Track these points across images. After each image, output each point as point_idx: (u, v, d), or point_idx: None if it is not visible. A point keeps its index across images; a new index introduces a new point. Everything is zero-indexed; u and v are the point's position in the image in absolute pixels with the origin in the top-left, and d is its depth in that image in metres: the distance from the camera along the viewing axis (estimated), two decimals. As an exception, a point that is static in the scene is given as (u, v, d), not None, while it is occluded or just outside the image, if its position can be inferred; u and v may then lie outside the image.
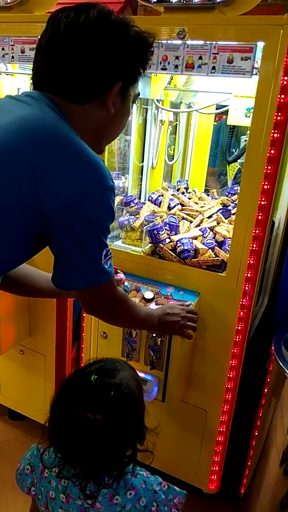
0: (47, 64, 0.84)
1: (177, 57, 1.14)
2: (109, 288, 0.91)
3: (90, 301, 0.94)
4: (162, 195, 1.73)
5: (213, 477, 1.48)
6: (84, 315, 1.57)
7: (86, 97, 0.85)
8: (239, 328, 1.29)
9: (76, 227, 0.78)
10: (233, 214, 1.60)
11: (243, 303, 1.26)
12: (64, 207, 0.76)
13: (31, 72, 1.59)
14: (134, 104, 0.97)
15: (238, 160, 1.72)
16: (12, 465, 0.95)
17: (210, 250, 1.34)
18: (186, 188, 1.93)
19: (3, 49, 1.38)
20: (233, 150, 1.77)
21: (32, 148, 0.75)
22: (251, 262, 1.21)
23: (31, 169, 0.74)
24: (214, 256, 1.33)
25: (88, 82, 0.84)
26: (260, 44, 1.05)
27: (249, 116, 1.39)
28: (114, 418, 0.79)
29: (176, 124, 1.91)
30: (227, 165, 1.91)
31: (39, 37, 0.87)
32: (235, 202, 1.74)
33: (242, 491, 1.51)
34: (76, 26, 0.81)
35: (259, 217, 1.17)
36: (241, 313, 1.27)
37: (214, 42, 1.10)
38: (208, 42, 1.10)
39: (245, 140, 1.57)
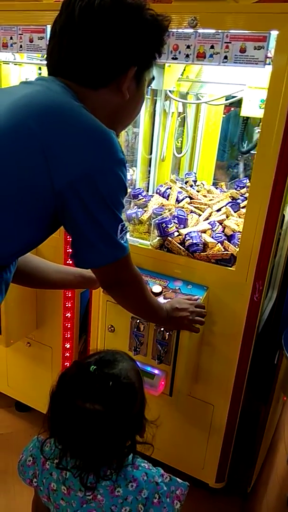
0: (61, 49, 0.83)
1: (188, 46, 1.11)
2: (126, 263, 0.90)
3: (107, 277, 0.93)
4: (170, 188, 1.71)
5: (219, 472, 1.48)
6: (91, 308, 1.56)
7: (100, 82, 0.84)
8: (248, 322, 1.27)
9: (89, 202, 0.77)
10: (243, 207, 1.59)
11: (253, 297, 1.24)
12: (76, 182, 0.75)
13: (38, 62, 1.61)
14: (149, 88, 0.95)
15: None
16: (18, 456, 0.95)
17: (219, 244, 1.33)
18: (195, 181, 1.91)
19: (11, 38, 1.36)
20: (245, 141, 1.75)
21: (41, 124, 0.74)
22: (261, 256, 1.19)
23: (41, 148, 0.73)
24: (223, 250, 1.31)
25: (103, 66, 0.83)
26: (274, 33, 1.02)
27: (263, 108, 1.38)
28: (112, 408, 0.79)
29: (185, 116, 1.88)
30: (241, 156, 1.88)
31: (52, 23, 0.86)
32: (244, 196, 1.72)
33: (249, 486, 1.51)
34: (91, 9, 0.80)
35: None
36: (250, 308, 1.26)
37: (226, 31, 1.07)
38: (220, 31, 1.07)
39: (259, 132, 1.56)
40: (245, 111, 1.48)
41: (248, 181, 1.88)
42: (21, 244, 0.84)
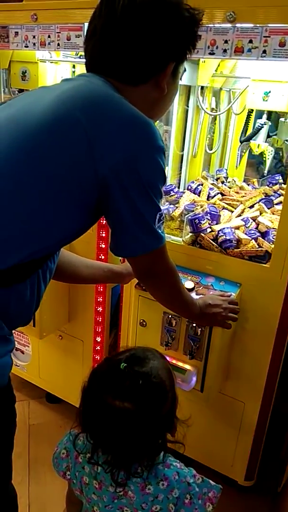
0: (103, 47, 0.85)
1: (226, 41, 1.10)
2: (162, 253, 0.91)
3: (143, 267, 0.93)
4: (202, 184, 1.70)
5: (249, 470, 1.47)
6: (122, 302, 1.58)
7: (141, 78, 0.86)
8: (282, 321, 1.26)
9: (130, 188, 0.79)
10: (276, 204, 1.56)
11: (287, 295, 1.23)
12: (118, 168, 0.77)
13: (73, 60, 1.63)
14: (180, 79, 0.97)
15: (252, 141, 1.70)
16: (49, 446, 0.97)
17: (253, 240, 1.31)
18: (226, 178, 1.90)
19: (49, 36, 1.39)
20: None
21: (86, 114, 0.77)
22: (297, 253, 1.18)
23: (86, 136, 0.76)
24: (257, 246, 1.30)
25: (145, 63, 0.85)
26: (315, 26, 1.01)
27: (266, 100, 1.43)
28: (142, 407, 0.78)
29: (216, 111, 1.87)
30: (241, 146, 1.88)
31: (88, 21, 0.87)
32: (278, 192, 1.70)
33: (280, 486, 1.49)
34: (134, 8, 0.81)
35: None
36: (285, 306, 1.24)
37: (265, 25, 1.06)
38: (259, 25, 1.06)
39: (261, 124, 1.60)
40: (249, 104, 1.50)
41: (280, 177, 1.86)
42: (66, 233, 0.86)
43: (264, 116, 1.60)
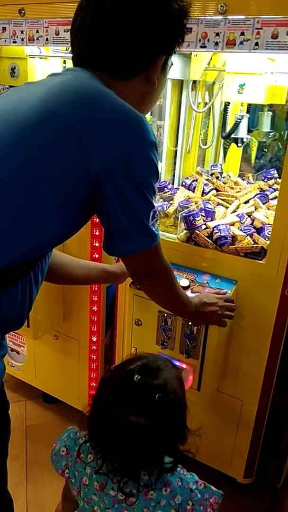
0: (93, 40, 0.83)
1: (217, 34, 1.08)
2: (156, 252, 0.89)
3: (137, 266, 0.91)
4: (196, 180, 1.68)
5: (248, 467, 1.46)
6: (117, 302, 1.56)
7: (131, 72, 0.85)
8: (279, 317, 1.24)
9: (123, 185, 0.77)
10: (271, 199, 1.55)
11: (284, 291, 1.21)
12: (110, 165, 0.75)
13: (63, 55, 1.60)
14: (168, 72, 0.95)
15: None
16: (46, 447, 0.95)
17: (248, 236, 1.30)
18: (221, 173, 1.88)
19: (37, 31, 1.36)
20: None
21: (75, 110, 0.75)
22: (293, 249, 1.16)
23: (76, 134, 0.74)
24: (252, 243, 1.28)
25: (135, 56, 0.83)
26: (308, 17, 0.99)
27: (241, 93, 1.42)
28: (159, 422, 0.76)
29: (210, 107, 1.84)
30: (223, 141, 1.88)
31: (74, 14, 0.85)
32: (273, 187, 1.68)
33: (279, 483, 1.48)
34: (124, 0, 0.79)
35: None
36: (281, 302, 1.23)
37: (257, 17, 1.03)
38: (250, 17, 1.04)
39: (241, 116, 1.60)
40: (225, 97, 1.49)
41: (275, 172, 1.84)
42: (58, 232, 0.83)
43: (241, 108, 1.60)
